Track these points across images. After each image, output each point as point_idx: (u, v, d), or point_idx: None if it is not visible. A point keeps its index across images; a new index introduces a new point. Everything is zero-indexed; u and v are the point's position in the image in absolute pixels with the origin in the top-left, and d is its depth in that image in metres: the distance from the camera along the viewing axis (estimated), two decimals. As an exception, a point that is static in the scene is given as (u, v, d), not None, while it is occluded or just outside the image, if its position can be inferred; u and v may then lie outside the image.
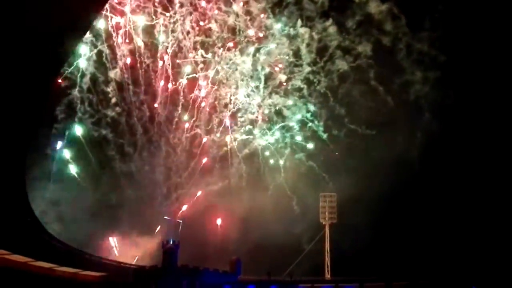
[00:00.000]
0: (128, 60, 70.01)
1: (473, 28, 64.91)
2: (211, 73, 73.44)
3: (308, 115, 74.56)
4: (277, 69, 74.00)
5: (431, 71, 69.93)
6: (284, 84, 74.25)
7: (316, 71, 72.82)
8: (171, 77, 72.25)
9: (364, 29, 71.20)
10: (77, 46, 63.94)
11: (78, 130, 69.23)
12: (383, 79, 70.85)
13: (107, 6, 65.66)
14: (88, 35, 66.21)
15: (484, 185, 62.82)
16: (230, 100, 74.92)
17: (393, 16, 69.49)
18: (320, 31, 71.86)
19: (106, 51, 68.69)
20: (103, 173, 71.19)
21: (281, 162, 75.11)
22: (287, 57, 73.32)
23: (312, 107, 74.31)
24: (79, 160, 69.47)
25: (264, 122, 75.53)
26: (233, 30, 72.63)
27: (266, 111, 75.13)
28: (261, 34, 73.00)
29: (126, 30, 68.91)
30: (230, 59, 73.37)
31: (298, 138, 75.27)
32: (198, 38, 71.89)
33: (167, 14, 69.86)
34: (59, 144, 68.26)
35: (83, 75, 68.24)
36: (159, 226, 71.67)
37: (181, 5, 70.30)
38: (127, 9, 68.48)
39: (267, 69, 74.13)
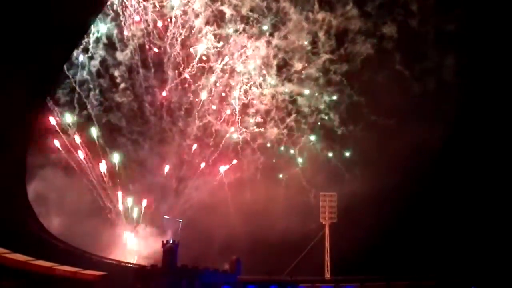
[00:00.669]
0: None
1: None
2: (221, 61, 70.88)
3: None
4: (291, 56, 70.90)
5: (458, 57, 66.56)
6: (301, 71, 71.43)
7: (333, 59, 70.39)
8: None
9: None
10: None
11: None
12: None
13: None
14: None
15: (484, 185, 62.66)
16: (244, 89, 72.48)
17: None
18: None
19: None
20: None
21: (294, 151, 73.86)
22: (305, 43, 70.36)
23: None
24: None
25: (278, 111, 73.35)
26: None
27: (280, 100, 72.83)
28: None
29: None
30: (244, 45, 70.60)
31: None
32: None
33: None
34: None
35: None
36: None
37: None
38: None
39: (282, 56, 71.17)
